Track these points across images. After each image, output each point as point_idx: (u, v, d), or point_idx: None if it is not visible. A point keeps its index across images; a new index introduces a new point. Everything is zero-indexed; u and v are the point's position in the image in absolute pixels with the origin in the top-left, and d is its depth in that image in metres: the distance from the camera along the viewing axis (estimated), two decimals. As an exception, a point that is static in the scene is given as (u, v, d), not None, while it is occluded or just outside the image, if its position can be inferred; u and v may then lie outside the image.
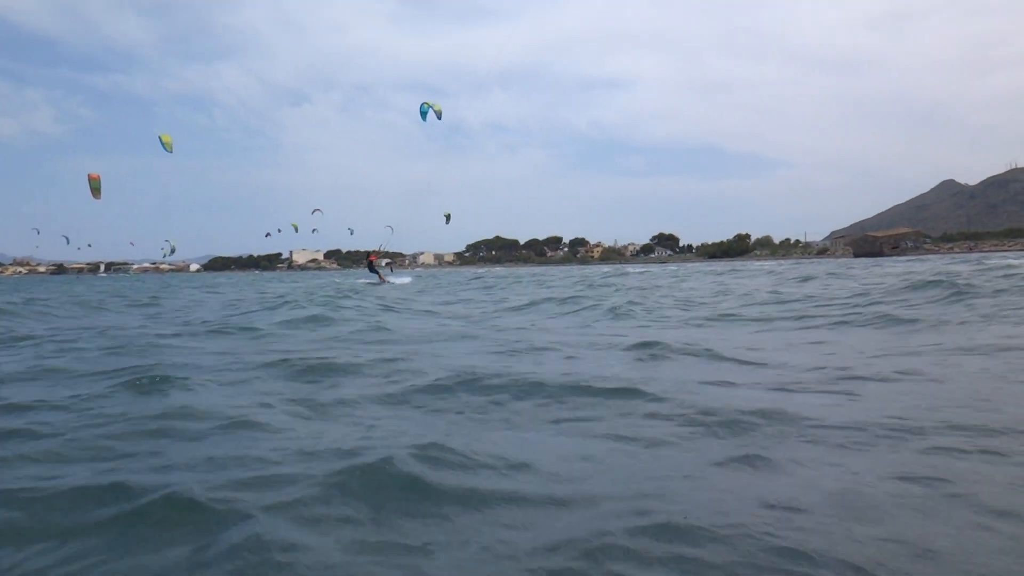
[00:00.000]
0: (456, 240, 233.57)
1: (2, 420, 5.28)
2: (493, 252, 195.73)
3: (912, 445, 4.24)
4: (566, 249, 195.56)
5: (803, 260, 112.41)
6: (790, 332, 10.98)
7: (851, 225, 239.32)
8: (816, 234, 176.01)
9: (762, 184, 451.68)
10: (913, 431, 4.52)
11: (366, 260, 40.24)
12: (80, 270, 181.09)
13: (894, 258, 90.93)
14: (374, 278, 38.37)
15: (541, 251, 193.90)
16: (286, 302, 19.61)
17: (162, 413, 5.34)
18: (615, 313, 15.16)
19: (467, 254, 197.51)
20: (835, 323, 11.95)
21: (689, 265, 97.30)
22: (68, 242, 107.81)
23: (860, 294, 17.50)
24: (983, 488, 3.46)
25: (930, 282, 17.92)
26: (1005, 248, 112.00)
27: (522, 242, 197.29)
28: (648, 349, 8.53)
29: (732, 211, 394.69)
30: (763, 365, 7.45)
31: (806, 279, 27.95)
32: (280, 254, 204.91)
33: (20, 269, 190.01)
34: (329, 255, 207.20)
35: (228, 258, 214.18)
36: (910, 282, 18.87)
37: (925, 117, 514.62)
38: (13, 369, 8.10)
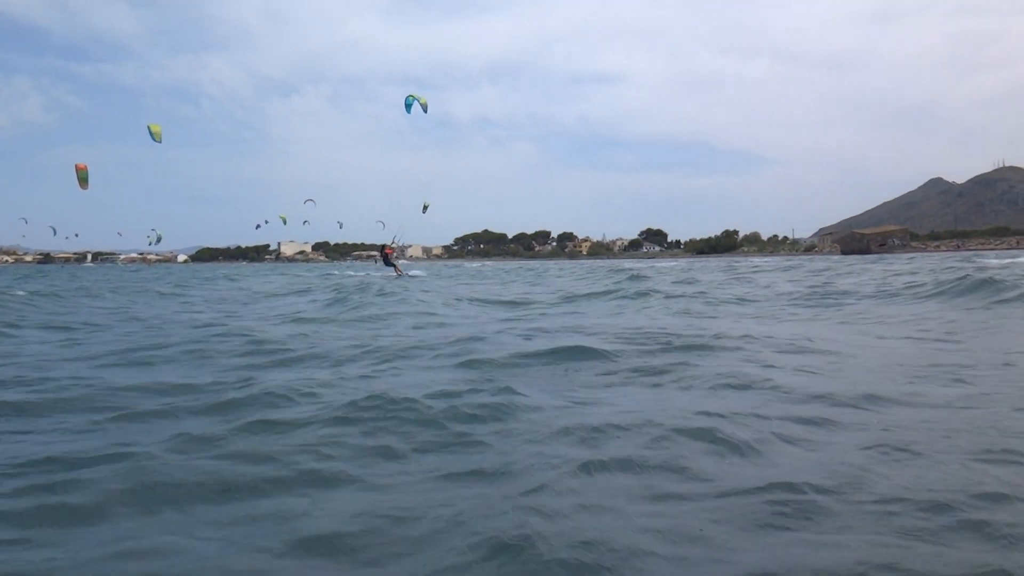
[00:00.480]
0: (443, 233, 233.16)
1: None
2: (481, 246, 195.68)
3: None
4: (554, 243, 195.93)
5: (792, 257, 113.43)
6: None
7: (839, 222, 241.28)
8: (804, 231, 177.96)
9: (750, 180, 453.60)
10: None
11: (381, 253, 40.00)
12: (67, 260, 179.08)
13: (892, 255, 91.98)
14: (390, 271, 38.31)
15: (529, 245, 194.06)
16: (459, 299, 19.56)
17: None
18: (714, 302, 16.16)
19: (455, 247, 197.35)
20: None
21: (686, 260, 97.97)
22: (55, 233, 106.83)
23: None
24: None
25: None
26: (991, 247, 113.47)
27: (510, 236, 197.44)
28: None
29: (720, 207, 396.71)
30: None
31: (829, 278, 28.32)
32: (268, 246, 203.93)
33: (7, 258, 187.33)
34: (317, 247, 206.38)
35: (216, 249, 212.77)
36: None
37: (914, 115, 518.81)
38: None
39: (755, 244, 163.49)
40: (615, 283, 24.53)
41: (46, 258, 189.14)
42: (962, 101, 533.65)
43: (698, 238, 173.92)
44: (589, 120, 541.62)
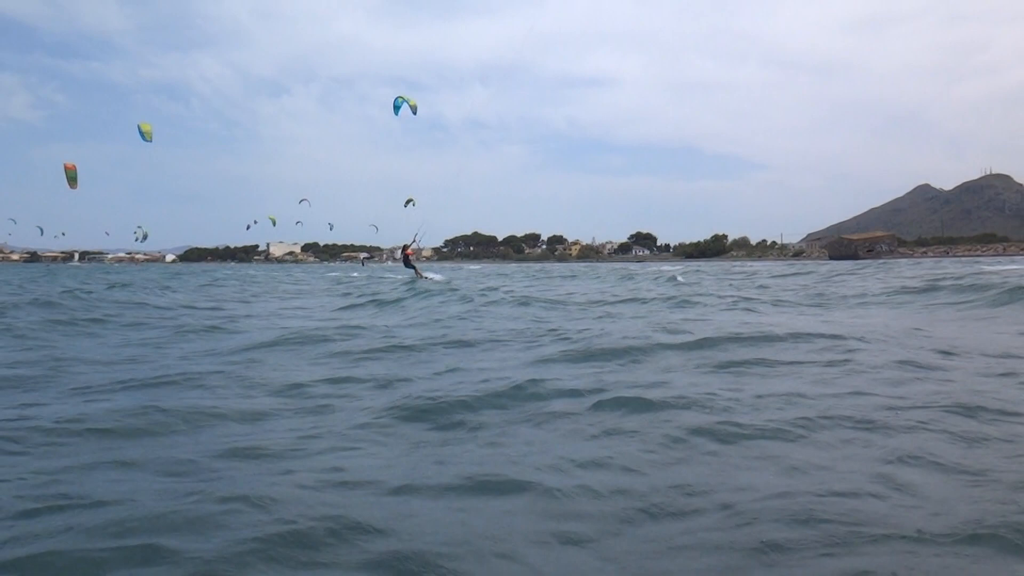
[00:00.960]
0: (432, 235, 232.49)
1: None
2: (471, 248, 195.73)
3: None
4: (544, 246, 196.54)
5: (781, 261, 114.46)
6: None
7: (827, 227, 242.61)
8: (792, 236, 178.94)
9: (739, 185, 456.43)
10: None
11: (401, 254, 39.91)
12: (54, 258, 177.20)
13: (878, 260, 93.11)
14: (410, 273, 38.36)
15: (519, 248, 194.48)
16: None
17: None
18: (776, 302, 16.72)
19: (445, 249, 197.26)
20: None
21: (679, 264, 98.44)
22: (42, 233, 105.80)
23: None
24: None
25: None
26: (978, 252, 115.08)
27: (500, 238, 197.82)
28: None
29: (709, 211, 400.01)
30: None
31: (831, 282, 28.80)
32: (257, 246, 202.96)
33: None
34: (306, 248, 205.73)
35: (204, 249, 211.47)
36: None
37: (902, 122, 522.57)
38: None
39: (744, 248, 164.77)
40: (669, 287, 24.74)
41: (33, 257, 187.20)
42: (949, 109, 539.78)
43: (687, 242, 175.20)
44: (579, 123, 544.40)
